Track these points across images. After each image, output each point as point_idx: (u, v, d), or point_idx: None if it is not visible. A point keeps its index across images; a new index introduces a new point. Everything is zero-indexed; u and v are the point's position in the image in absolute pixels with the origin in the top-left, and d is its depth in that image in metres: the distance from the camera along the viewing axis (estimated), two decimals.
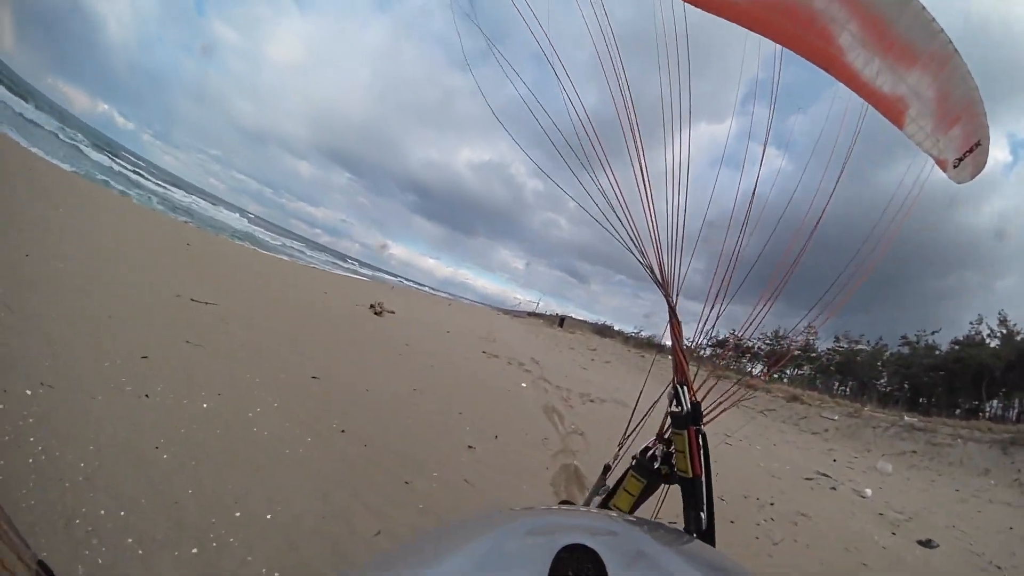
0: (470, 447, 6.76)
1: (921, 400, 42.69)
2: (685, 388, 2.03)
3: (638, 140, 2.10)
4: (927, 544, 8.14)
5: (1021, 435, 18.00)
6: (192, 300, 8.19)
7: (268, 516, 3.59)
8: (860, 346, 51.48)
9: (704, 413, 2.07)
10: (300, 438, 5.00)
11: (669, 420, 2.06)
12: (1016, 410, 38.94)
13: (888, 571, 6.81)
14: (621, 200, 2.11)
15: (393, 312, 14.70)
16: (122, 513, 3.10)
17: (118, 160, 48.67)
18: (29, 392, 3.91)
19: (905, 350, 48.47)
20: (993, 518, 11.54)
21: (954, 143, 2.24)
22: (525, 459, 7.10)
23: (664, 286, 2.20)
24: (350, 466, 4.89)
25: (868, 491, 11.62)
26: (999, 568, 7.64)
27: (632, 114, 2.09)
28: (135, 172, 47.60)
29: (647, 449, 2.15)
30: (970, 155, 2.26)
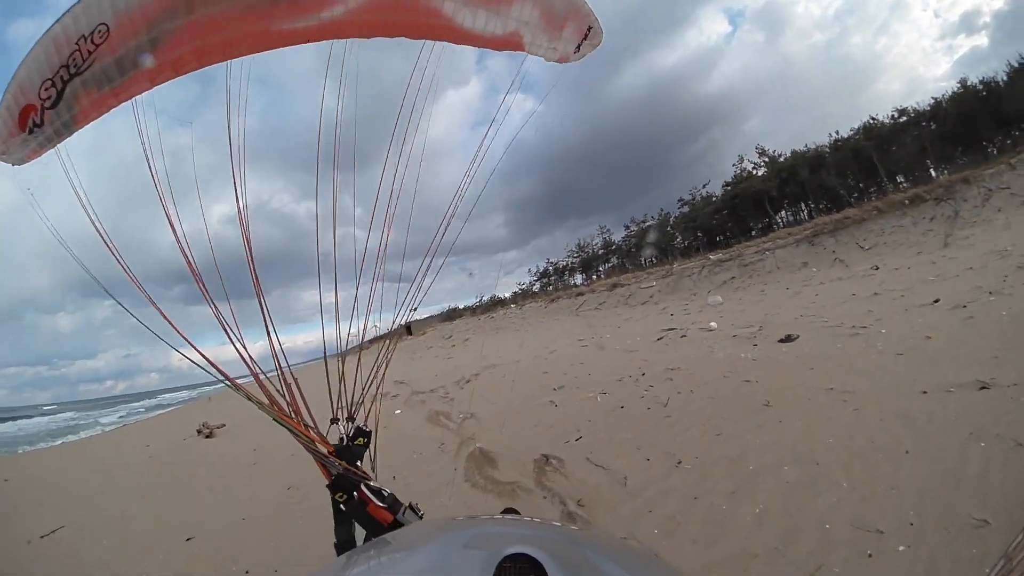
0: None
1: (718, 238, 48.02)
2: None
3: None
4: (788, 339, 8.61)
5: (819, 227, 20.40)
6: (41, 537, 6.62)
7: None
8: (647, 223, 57.14)
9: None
10: None
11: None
12: (805, 212, 45.33)
13: (767, 376, 7.00)
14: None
15: (223, 425, 12.65)
16: None
17: None
18: None
19: (686, 209, 54.54)
20: (831, 295, 12.72)
21: (569, 40, 2.42)
22: (431, 476, 6.60)
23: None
24: None
25: (713, 324, 12.29)
26: (864, 327, 8.23)
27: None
28: None
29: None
30: (585, 40, 2.45)
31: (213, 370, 2.05)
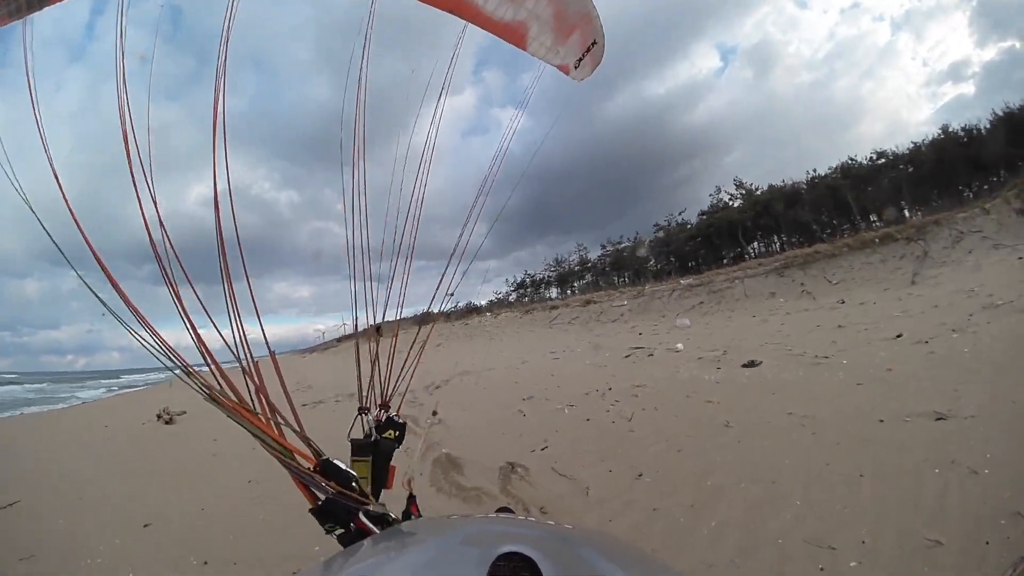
0: None
1: (690, 264, 48.67)
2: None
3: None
4: (751, 364, 8.77)
5: (790, 259, 20.85)
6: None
7: None
8: (623, 244, 57.54)
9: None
10: None
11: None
12: (778, 244, 45.65)
13: (729, 398, 7.14)
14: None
15: (184, 412, 12.31)
16: None
17: None
18: None
19: (661, 234, 54.91)
20: (797, 324, 13.00)
21: (573, 48, 2.45)
22: (395, 485, 6.34)
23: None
24: None
25: (680, 345, 12.48)
26: (826, 357, 8.42)
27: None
28: None
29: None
30: (587, 54, 2.48)
31: (167, 354, 1.67)
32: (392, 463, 1.97)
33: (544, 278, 62.97)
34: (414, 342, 2.35)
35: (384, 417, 2.03)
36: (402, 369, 2.24)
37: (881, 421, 5.19)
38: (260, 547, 4.76)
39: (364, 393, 2.11)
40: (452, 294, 2.43)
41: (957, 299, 10.94)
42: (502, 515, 1.67)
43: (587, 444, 6.32)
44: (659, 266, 52.95)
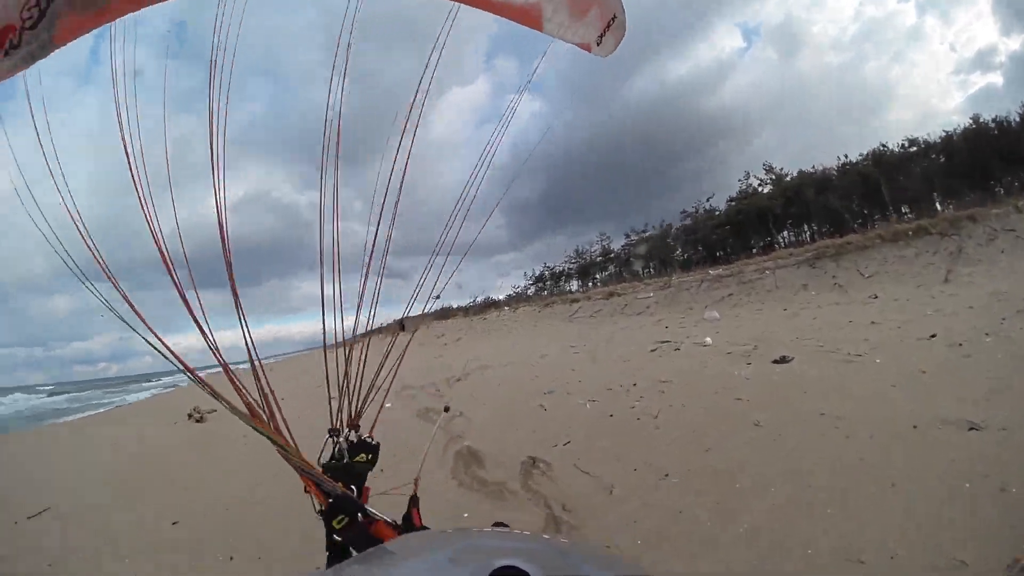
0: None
1: (718, 253, 47.63)
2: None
3: None
4: (783, 360, 8.60)
5: (822, 250, 20.24)
6: (28, 518, 6.69)
7: None
8: (648, 233, 55.86)
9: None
10: None
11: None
12: (808, 233, 44.08)
13: (760, 395, 7.02)
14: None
15: (215, 411, 12.59)
16: None
17: None
18: None
19: (688, 221, 53.00)
20: (829, 319, 12.70)
21: (592, 25, 2.34)
22: (414, 469, 6.51)
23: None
24: None
25: (708, 339, 12.29)
26: (859, 355, 8.23)
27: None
28: None
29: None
30: (608, 30, 2.36)
31: (177, 361, 1.78)
32: (366, 484, 1.91)
33: (564, 270, 61.55)
34: (388, 351, 2.20)
35: (356, 439, 1.94)
36: (372, 385, 2.12)
37: (915, 427, 5.04)
38: (285, 542, 4.81)
39: (335, 412, 2.01)
40: (439, 297, 2.30)
41: (991, 301, 10.60)
42: (497, 529, 1.64)
43: (610, 441, 6.27)
44: (686, 255, 51.99)
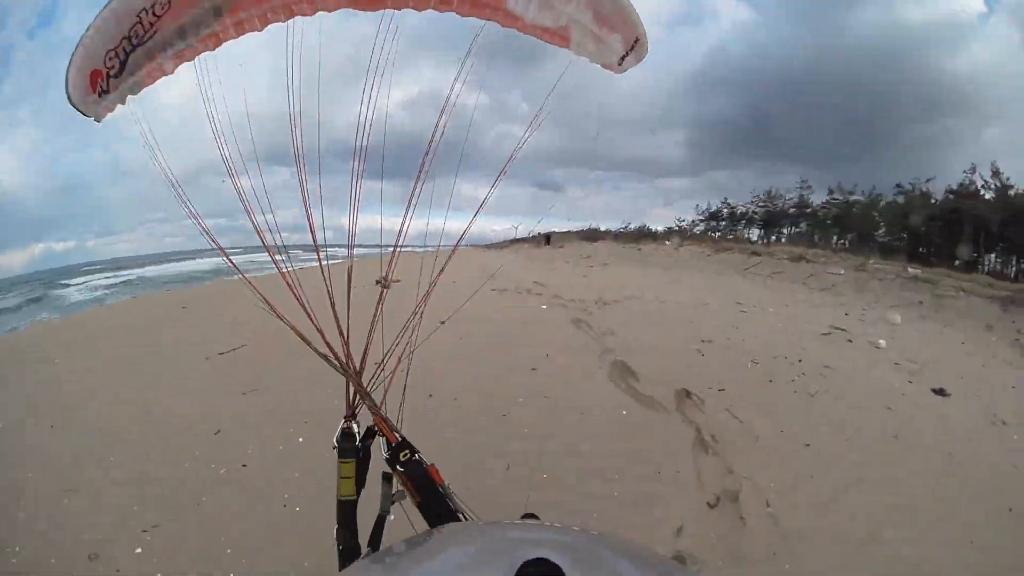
0: (533, 369, 7.86)
1: (921, 250, 42.09)
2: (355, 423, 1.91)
3: None
4: (941, 392, 8.53)
5: (1020, 294, 18.03)
6: (220, 354, 8.72)
7: None
8: (855, 197, 49.14)
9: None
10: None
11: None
12: (1014, 268, 38.91)
13: (910, 415, 7.24)
14: None
15: (399, 280, 14.22)
16: None
17: (71, 284, 45.80)
18: None
19: (901, 199, 46.50)
20: (997, 373, 11.49)
21: (615, 47, 2.40)
22: (577, 367, 7.92)
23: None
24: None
25: (882, 342, 12.09)
26: (1004, 423, 7.72)
27: None
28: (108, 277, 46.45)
29: (345, 431, 1.91)
30: (632, 51, 2.42)
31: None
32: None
33: (747, 212, 54.07)
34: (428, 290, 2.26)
35: (364, 429, 1.94)
36: (380, 369, 2.12)
37: None
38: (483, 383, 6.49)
39: (352, 395, 2.04)
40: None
41: None
42: (528, 521, 1.72)
43: (763, 399, 6.98)
44: (889, 239, 45.80)
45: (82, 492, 5.14)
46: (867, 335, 12.93)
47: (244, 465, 5.66)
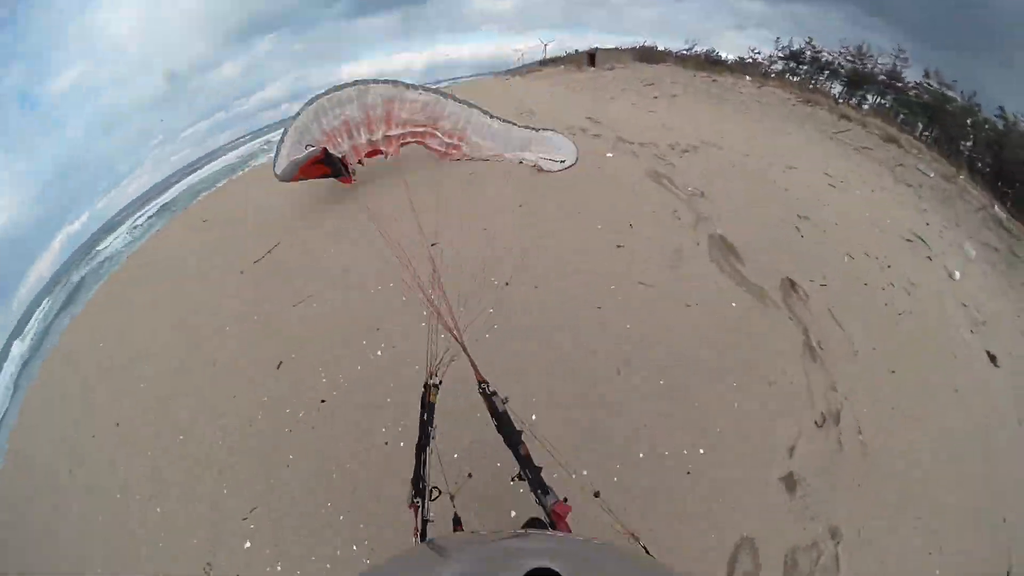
0: (619, 246, 7.06)
1: (1005, 189, 39.27)
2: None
3: None
4: (993, 360, 8.27)
5: None
6: (254, 262, 7.76)
7: None
8: (951, 93, 44.69)
9: None
10: None
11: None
12: None
13: (963, 366, 7.23)
14: None
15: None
16: None
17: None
18: None
19: (1000, 124, 42.15)
20: None
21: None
22: (670, 242, 7.08)
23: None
24: None
25: (957, 273, 11.79)
26: None
27: None
28: None
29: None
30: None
31: None
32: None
33: (830, 62, 48.57)
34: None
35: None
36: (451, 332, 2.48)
37: None
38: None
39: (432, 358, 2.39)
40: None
41: None
42: (531, 531, 1.79)
43: (859, 305, 6.86)
44: (980, 163, 42.36)
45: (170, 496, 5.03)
46: (944, 257, 12.49)
47: (323, 401, 5.13)
